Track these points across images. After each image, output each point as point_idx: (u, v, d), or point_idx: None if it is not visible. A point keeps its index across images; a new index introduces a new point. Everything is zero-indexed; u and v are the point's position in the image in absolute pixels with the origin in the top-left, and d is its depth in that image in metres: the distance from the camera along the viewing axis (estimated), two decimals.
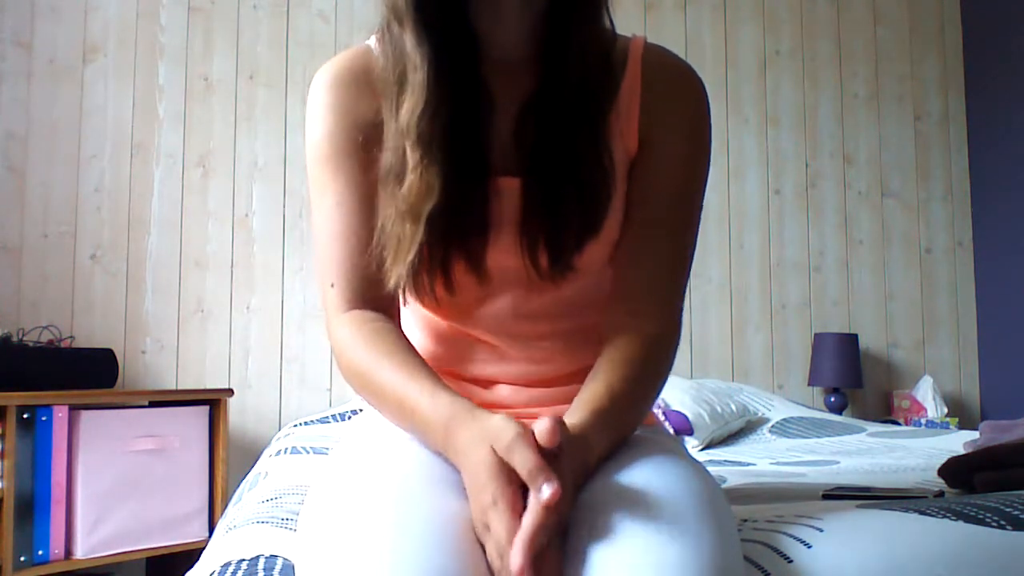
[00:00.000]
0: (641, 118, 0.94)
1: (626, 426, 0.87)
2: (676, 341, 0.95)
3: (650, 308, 0.92)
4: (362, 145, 0.93)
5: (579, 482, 0.75)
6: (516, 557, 0.64)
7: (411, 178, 0.88)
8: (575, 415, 0.81)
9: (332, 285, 0.93)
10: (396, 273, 0.90)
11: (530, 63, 0.93)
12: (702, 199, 0.97)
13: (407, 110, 0.88)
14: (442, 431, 0.78)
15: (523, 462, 0.68)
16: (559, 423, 0.71)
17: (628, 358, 0.89)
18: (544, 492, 0.66)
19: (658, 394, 0.93)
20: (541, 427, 0.70)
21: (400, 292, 0.92)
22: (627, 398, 0.86)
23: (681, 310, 0.96)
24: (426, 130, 0.87)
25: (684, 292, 0.96)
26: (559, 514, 0.68)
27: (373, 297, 0.93)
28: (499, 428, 0.71)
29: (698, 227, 0.97)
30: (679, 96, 0.96)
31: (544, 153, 0.90)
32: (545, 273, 0.90)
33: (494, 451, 0.70)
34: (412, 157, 0.88)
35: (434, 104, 0.87)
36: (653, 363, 0.91)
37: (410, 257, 0.88)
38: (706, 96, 0.98)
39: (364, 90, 0.94)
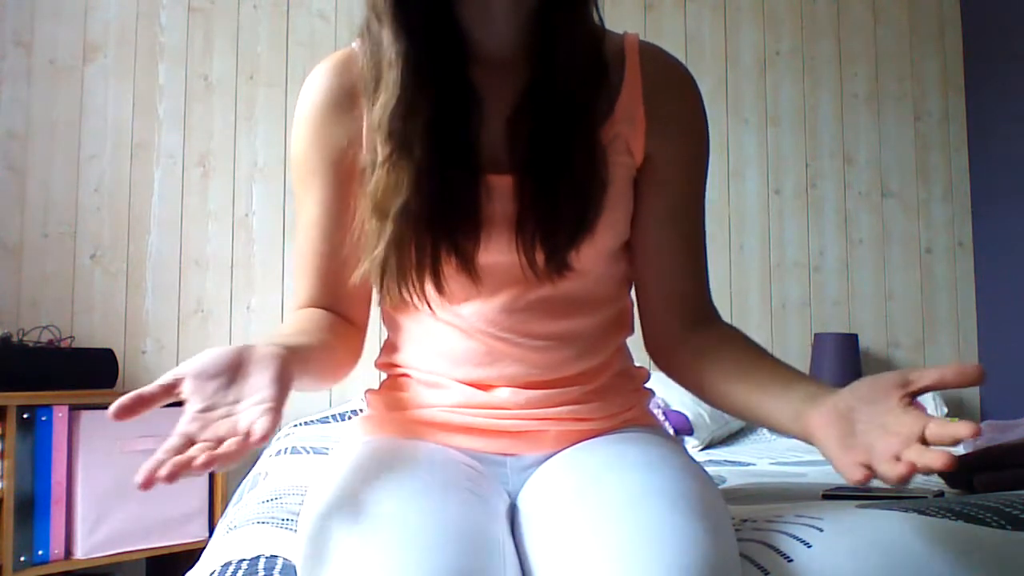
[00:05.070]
0: (648, 130, 0.95)
1: None
2: None
3: (708, 300, 1.01)
4: (334, 165, 0.96)
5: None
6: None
7: (378, 174, 0.88)
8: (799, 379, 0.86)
9: (293, 293, 1.00)
10: (363, 268, 0.91)
11: (521, 62, 0.93)
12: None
13: (379, 106, 0.89)
14: None
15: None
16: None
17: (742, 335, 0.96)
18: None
19: None
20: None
21: (386, 293, 0.92)
22: None
23: None
24: (398, 127, 0.87)
25: None
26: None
27: (330, 305, 0.98)
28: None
29: None
30: (685, 107, 0.99)
31: (537, 150, 0.90)
32: (542, 271, 0.90)
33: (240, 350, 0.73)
34: (381, 152, 0.88)
35: (407, 101, 0.87)
36: None
37: (376, 252, 0.88)
38: (700, 92, 1.02)
39: (344, 109, 0.96)
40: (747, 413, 0.90)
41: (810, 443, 0.78)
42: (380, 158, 0.88)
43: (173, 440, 0.65)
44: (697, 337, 0.97)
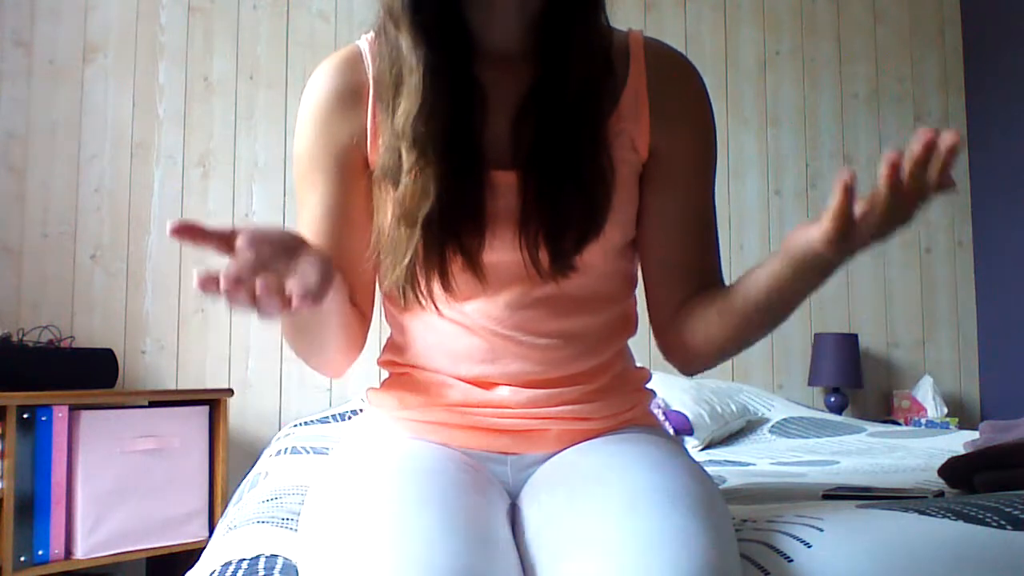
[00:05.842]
0: (652, 126, 0.95)
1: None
2: None
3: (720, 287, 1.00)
4: (338, 162, 0.96)
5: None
6: None
7: (406, 181, 0.88)
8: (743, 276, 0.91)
9: None
10: (394, 276, 0.90)
11: (526, 58, 0.93)
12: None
13: (403, 112, 0.89)
14: None
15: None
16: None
17: None
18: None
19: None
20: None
21: (399, 296, 0.92)
22: None
23: None
24: (422, 133, 0.87)
25: None
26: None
27: None
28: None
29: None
30: (689, 102, 0.99)
31: (542, 147, 0.90)
32: (546, 272, 0.90)
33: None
34: (407, 160, 0.88)
35: (429, 107, 0.87)
36: None
37: (407, 260, 0.88)
38: (706, 86, 1.01)
39: (349, 107, 0.96)
40: (741, 309, 0.90)
41: (797, 259, 0.81)
42: (406, 166, 0.88)
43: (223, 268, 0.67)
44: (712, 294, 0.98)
